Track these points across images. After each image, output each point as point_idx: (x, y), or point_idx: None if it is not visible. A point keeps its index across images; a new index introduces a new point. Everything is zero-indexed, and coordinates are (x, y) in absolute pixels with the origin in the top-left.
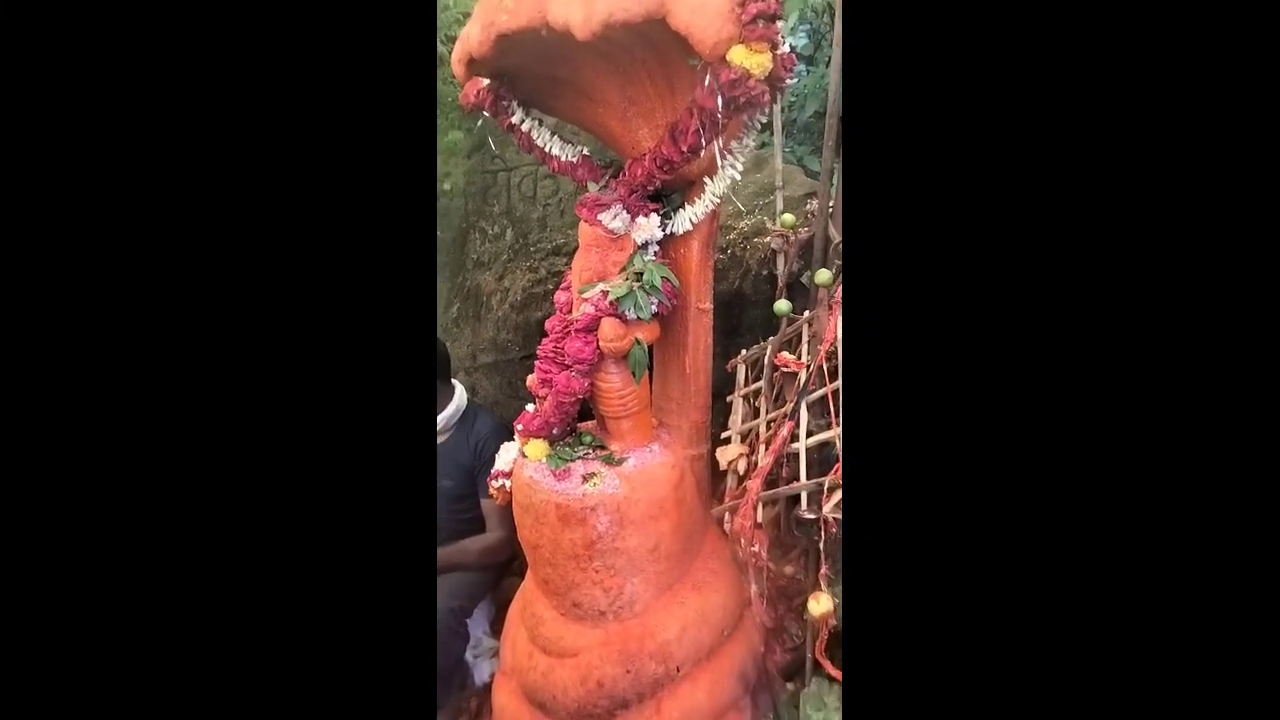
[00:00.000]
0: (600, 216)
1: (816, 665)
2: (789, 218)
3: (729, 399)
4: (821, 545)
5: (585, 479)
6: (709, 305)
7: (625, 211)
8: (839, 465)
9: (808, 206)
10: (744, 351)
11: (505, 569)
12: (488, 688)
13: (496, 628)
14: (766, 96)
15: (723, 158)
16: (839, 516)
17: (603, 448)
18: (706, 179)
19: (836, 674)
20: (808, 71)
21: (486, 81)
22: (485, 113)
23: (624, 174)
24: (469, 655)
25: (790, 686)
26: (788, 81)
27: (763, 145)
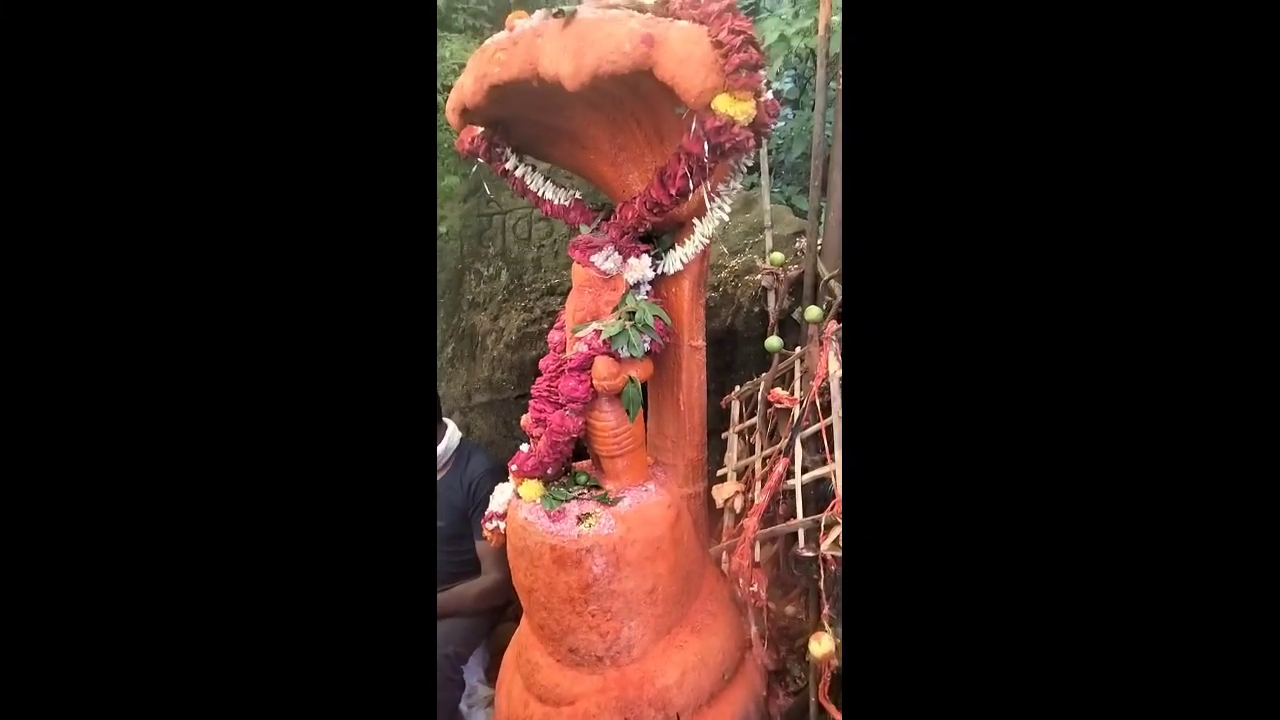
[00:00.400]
0: (593, 258)
1: (820, 709)
2: (778, 256)
3: (724, 436)
4: (821, 584)
5: (580, 520)
6: (702, 343)
7: (617, 253)
8: (836, 501)
9: (797, 244)
10: (738, 388)
11: (501, 614)
12: None
13: (492, 675)
14: (751, 142)
15: (711, 200)
16: (838, 554)
17: (598, 487)
18: (696, 220)
19: (840, 717)
20: (794, 114)
21: (481, 129)
22: (480, 159)
23: (615, 216)
24: (463, 705)
25: None
26: (773, 126)
27: (751, 186)
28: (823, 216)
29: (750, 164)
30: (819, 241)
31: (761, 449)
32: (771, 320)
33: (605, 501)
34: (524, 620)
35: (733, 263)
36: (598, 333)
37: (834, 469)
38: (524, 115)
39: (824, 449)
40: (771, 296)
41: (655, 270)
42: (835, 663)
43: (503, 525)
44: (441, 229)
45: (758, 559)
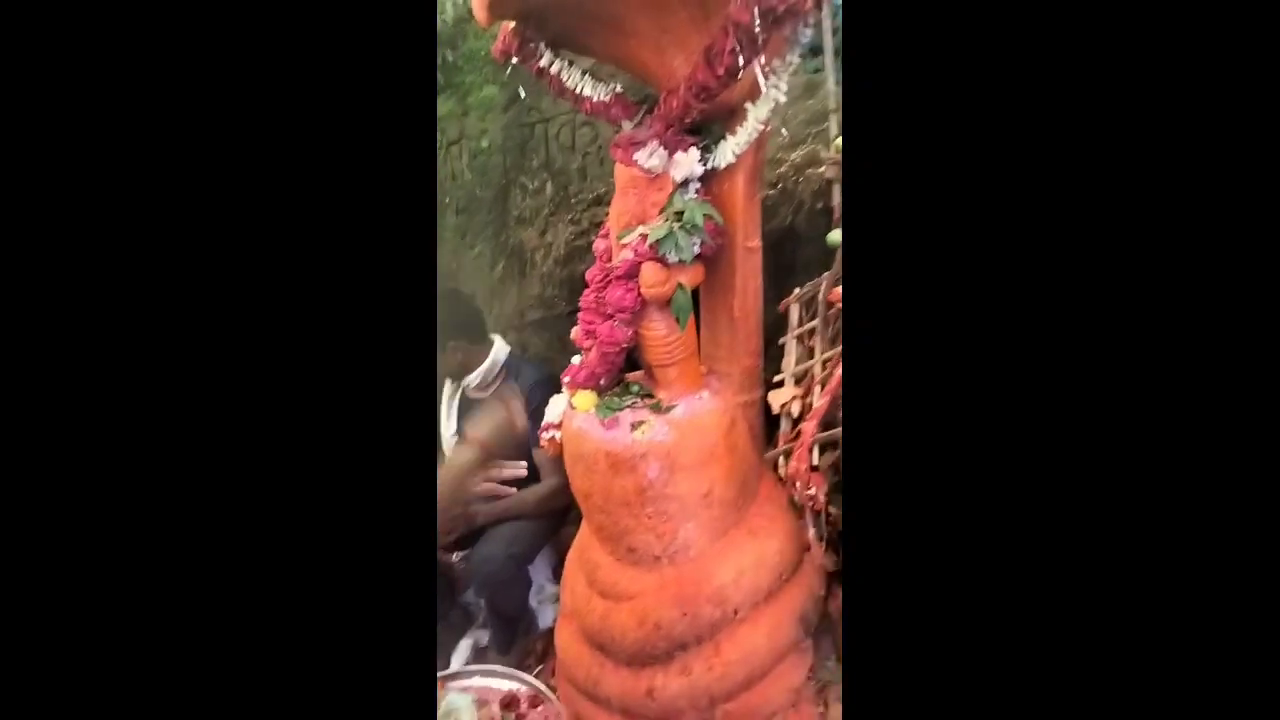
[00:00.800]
0: (636, 156)
1: None
2: (842, 141)
3: (781, 341)
4: None
5: (634, 427)
6: (757, 243)
7: (662, 148)
8: None
9: None
10: (797, 289)
11: (563, 518)
12: (551, 631)
13: (558, 574)
14: (809, 3)
15: (765, 78)
16: None
17: (650, 396)
18: (748, 104)
19: None
20: None
21: (513, 25)
22: (515, 59)
23: (659, 108)
24: (533, 601)
25: None
26: None
27: (815, 70)
28: None
29: (808, 39)
30: None
31: (821, 352)
32: (835, 215)
33: (658, 410)
34: (584, 522)
35: (793, 156)
36: (644, 237)
37: None
38: (557, 3)
39: None
40: (836, 189)
41: (704, 164)
42: None
43: (558, 435)
44: (483, 143)
45: (816, 463)
